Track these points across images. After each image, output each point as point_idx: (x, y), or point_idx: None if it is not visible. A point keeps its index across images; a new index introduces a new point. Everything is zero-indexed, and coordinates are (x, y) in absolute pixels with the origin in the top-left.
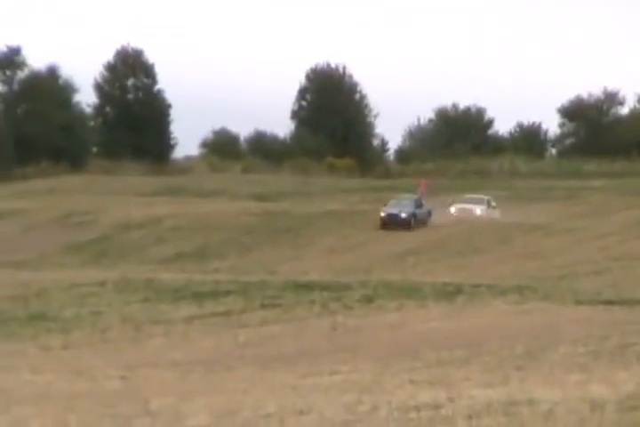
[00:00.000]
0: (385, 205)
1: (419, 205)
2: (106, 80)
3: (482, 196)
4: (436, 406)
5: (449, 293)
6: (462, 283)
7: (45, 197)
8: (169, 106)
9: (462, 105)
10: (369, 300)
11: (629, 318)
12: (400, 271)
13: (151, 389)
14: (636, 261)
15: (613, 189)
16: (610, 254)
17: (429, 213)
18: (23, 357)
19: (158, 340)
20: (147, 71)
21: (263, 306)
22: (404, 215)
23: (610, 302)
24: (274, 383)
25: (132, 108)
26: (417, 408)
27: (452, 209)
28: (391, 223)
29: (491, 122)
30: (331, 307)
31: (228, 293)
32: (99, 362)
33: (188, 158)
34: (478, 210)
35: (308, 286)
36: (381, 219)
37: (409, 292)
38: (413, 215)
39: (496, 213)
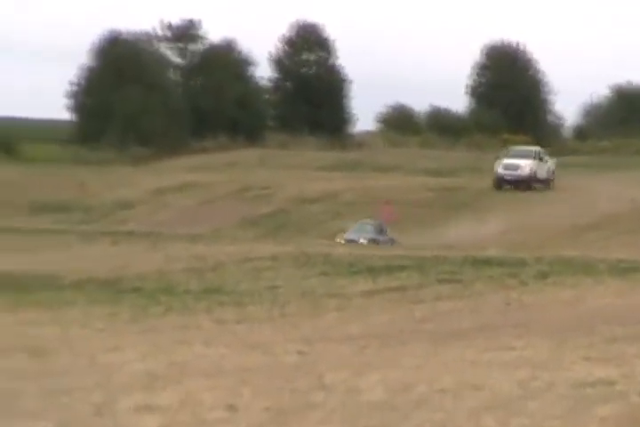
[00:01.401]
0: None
1: (380, 231)
2: (282, 54)
3: (531, 148)
4: (610, 383)
5: (624, 269)
6: (637, 260)
7: (223, 170)
8: (347, 81)
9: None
10: (544, 276)
11: None
12: (574, 247)
13: (327, 363)
14: None
15: None
16: None
17: (392, 241)
18: (197, 330)
19: (334, 314)
20: (323, 46)
21: (439, 281)
22: (362, 241)
23: None
24: (448, 359)
25: (310, 84)
26: (592, 385)
27: (499, 166)
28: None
29: None
30: (506, 283)
31: (402, 267)
32: (274, 336)
33: (365, 133)
34: (525, 167)
35: (487, 262)
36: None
37: (585, 268)
38: (374, 242)
39: (544, 168)
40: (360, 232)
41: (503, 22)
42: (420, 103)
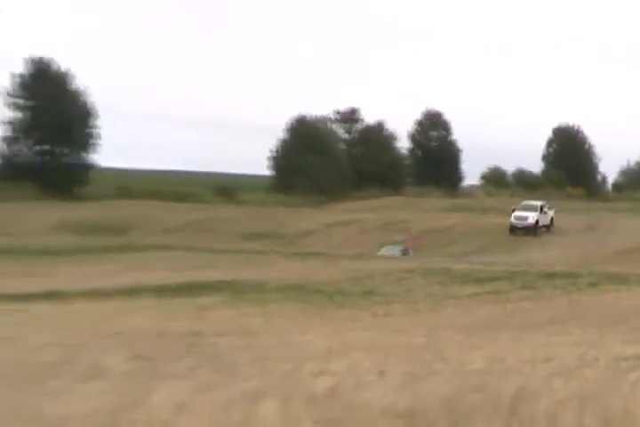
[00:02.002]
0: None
1: (404, 253)
2: (416, 132)
3: (536, 202)
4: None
5: None
6: None
7: (374, 211)
8: (459, 150)
9: None
10: (594, 284)
11: None
12: (614, 266)
13: (445, 343)
14: None
15: None
16: None
17: (407, 253)
18: (359, 321)
19: (450, 310)
20: (444, 127)
21: (522, 288)
22: (396, 254)
23: None
24: (529, 341)
25: (434, 153)
26: (626, 358)
27: (512, 217)
28: None
29: None
30: (568, 289)
31: (498, 278)
32: (410, 325)
33: (471, 186)
34: (530, 218)
35: (554, 275)
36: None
37: (622, 279)
38: (400, 254)
39: (546, 217)
40: (391, 251)
41: (568, 109)
42: (509, 165)
